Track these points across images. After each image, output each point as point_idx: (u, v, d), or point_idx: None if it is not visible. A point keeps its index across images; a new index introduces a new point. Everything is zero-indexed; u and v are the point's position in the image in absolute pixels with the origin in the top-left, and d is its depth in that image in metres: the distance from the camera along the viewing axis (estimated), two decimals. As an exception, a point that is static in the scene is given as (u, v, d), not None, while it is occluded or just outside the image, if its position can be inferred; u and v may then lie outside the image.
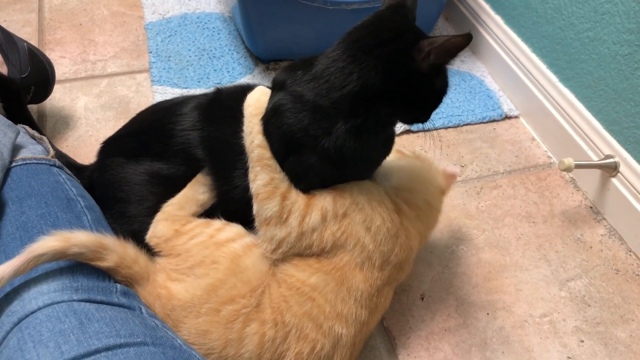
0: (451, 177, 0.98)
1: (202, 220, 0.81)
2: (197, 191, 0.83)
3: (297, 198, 0.77)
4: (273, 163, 0.77)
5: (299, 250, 0.78)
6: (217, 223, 0.81)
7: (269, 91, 0.80)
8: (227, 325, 0.72)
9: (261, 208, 0.77)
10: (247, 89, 0.83)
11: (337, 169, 0.77)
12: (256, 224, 0.78)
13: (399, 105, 0.74)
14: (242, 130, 0.79)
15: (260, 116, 0.77)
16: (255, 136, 0.77)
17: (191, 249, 0.77)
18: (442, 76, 0.75)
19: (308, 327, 0.74)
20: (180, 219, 0.81)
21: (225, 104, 0.86)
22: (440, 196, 0.94)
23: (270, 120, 0.76)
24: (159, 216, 0.82)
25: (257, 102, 0.80)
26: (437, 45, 0.68)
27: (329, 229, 0.77)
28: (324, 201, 0.77)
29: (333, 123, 0.72)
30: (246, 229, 0.81)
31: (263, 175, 0.77)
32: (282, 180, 0.77)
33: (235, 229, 0.80)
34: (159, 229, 0.81)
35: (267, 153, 0.77)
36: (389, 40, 0.71)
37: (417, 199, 0.87)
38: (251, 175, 0.78)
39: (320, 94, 0.72)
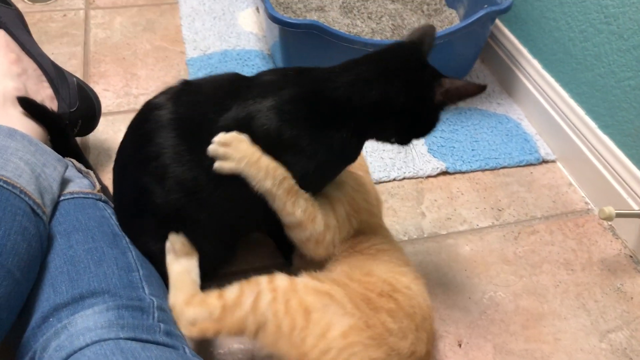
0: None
1: (235, 285, 0.77)
2: (190, 273, 0.81)
3: (328, 209, 0.87)
4: (298, 187, 0.80)
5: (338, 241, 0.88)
6: (262, 279, 0.77)
7: (244, 137, 0.77)
8: (374, 336, 0.74)
9: (311, 233, 0.83)
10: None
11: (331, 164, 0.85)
12: (308, 249, 0.85)
13: (402, 124, 0.82)
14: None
15: (261, 158, 0.77)
16: (276, 172, 0.77)
17: (265, 313, 0.73)
18: (440, 112, 0.83)
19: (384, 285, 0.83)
20: (203, 296, 0.78)
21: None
22: (371, 190, 0.99)
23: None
24: (178, 308, 0.77)
25: (249, 148, 0.76)
26: (456, 86, 0.78)
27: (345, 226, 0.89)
28: (342, 209, 0.89)
29: (341, 125, 0.79)
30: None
31: (301, 201, 0.80)
32: (309, 198, 0.82)
33: (281, 275, 0.78)
34: (190, 315, 0.76)
35: (292, 180, 0.79)
36: (416, 69, 0.81)
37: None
38: (288, 209, 0.79)
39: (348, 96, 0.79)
